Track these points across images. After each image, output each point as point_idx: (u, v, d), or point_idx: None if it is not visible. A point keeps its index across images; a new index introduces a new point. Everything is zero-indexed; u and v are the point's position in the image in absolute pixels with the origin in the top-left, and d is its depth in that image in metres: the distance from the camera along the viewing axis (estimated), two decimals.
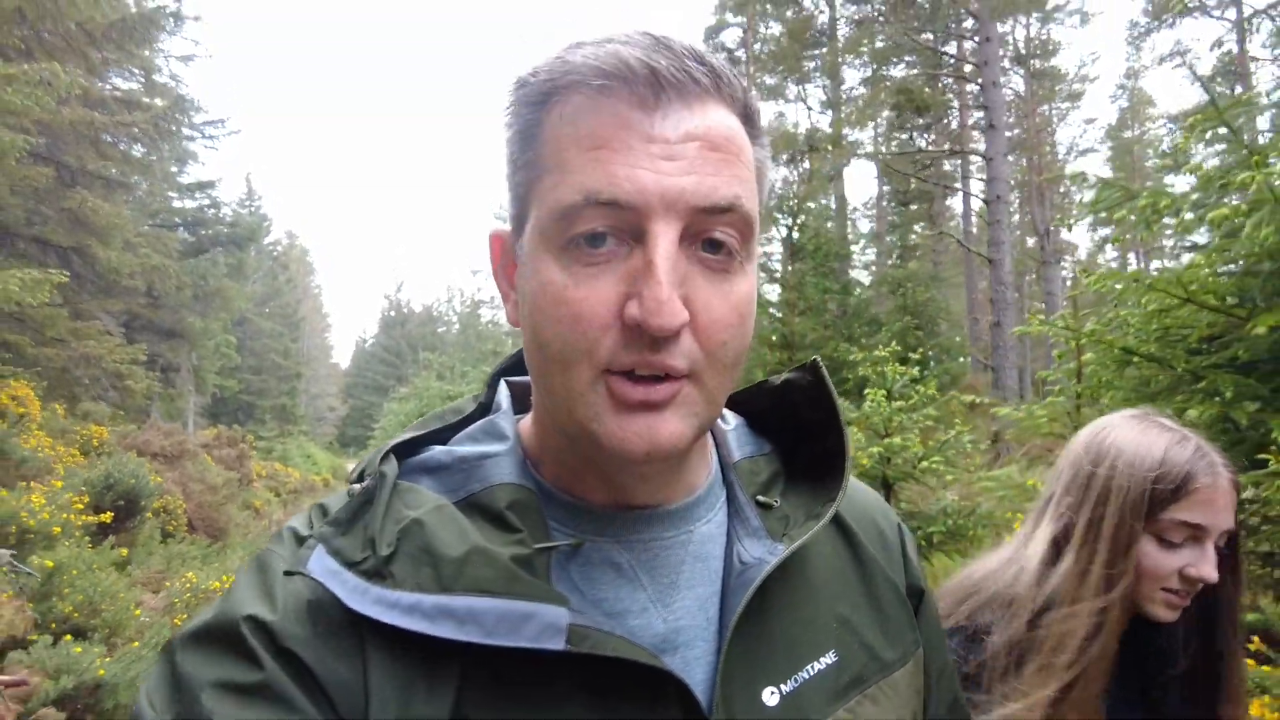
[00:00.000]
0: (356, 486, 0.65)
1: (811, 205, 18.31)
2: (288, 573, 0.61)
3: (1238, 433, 3.68)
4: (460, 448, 0.70)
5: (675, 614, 0.67)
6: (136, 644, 4.26)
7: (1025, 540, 1.40)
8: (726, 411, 0.82)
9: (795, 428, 0.80)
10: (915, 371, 6.14)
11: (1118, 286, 4.36)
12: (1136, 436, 1.35)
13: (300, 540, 0.64)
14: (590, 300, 0.57)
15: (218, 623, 0.59)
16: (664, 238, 0.57)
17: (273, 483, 18.47)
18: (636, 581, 0.67)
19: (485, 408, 0.77)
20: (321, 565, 0.60)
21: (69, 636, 3.98)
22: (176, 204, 24.34)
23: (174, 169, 22.99)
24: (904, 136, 19.57)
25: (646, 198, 0.57)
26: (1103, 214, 4.65)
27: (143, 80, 20.23)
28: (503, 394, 0.77)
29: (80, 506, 6.20)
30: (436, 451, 0.70)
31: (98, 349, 14.23)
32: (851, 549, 0.79)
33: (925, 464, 5.11)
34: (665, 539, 0.68)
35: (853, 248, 24.62)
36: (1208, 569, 1.29)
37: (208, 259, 22.66)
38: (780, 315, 14.63)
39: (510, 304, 0.68)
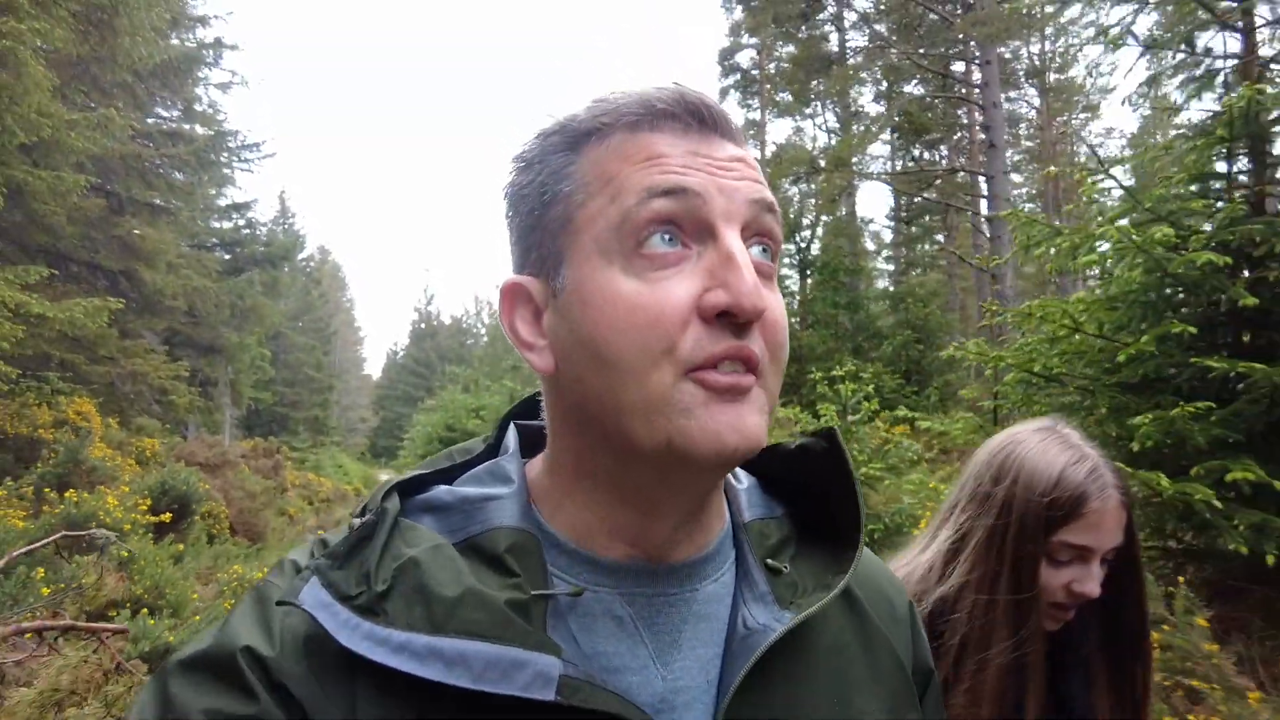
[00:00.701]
0: (357, 521, 0.64)
1: (826, 219, 19.04)
2: (279, 602, 0.61)
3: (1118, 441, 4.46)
4: (464, 488, 0.70)
5: (675, 674, 0.65)
6: (198, 618, 5.22)
7: (924, 545, 1.44)
8: (739, 471, 0.81)
9: (807, 493, 0.79)
10: (869, 388, 6.92)
11: (1028, 315, 5.20)
12: (1036, 456, 1.37)
13: (299, 571, 0.64)
14: (667, 300, 0.57)
15: (214, 652, 0.59)
16: (734, 232, 0.59)
17: (306, 491, 19.47)
18: (637, 637, 0.65)
19: (494, 449, 0.77)
20: (314, 597, 0.59)
21: (145, 610, 4.95)
22: (214, 224, 25.52)
23: (212, 191, 24.21)
24: (910, 155, 20.26)
25: (707, 186, 0.59)
26: (1034, 251, 5.45)
27: (182, 108, 21.52)
28: (511, 437, 0.76)
29: (144, 508, 7.28)
30: (440, 491, 0.69)
31: (144, 366, 15.35)
32: (859, 622, 0.76)
33: (865, 470, 5.89)
34: (669, 595, 0.67)
35: (873, 261, 25.25)
36: (1091, 586, 1.33)
37: (244, 279, 23.80)
38: (790, 329, 15.36)
39: (536, 353, 0.66)
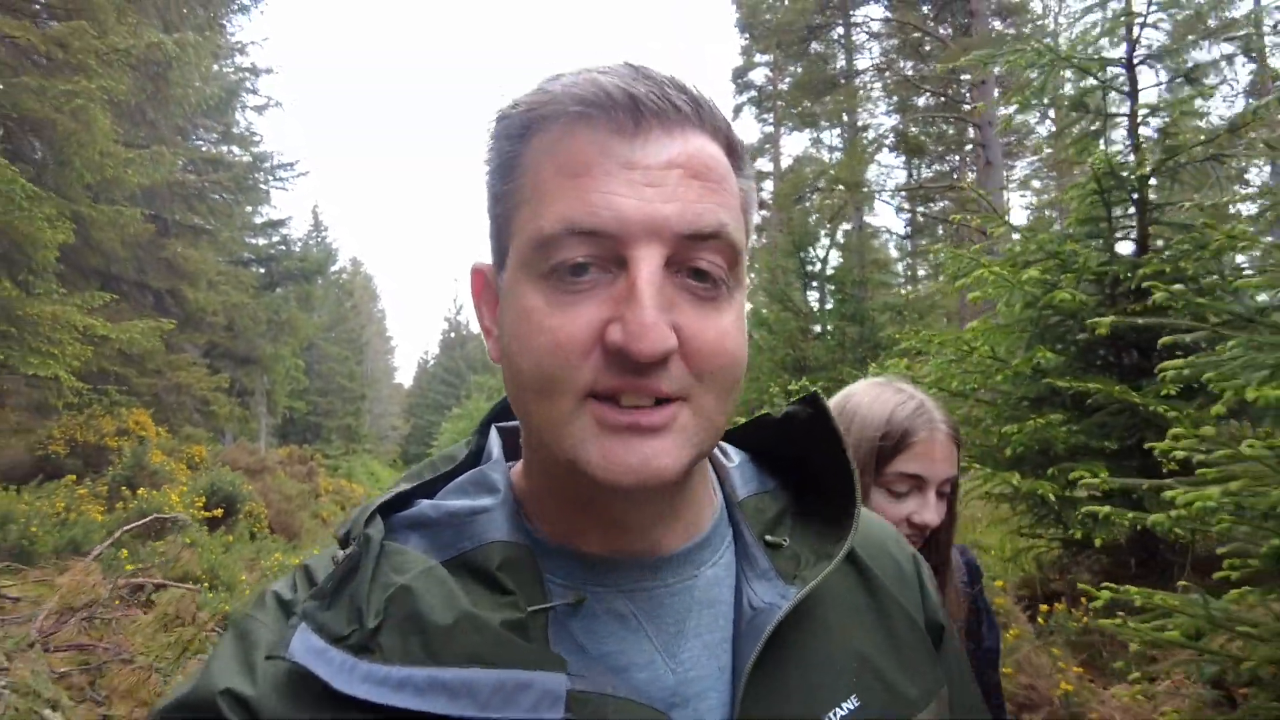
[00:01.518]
0: (340, 554, 0.63)
1: (841, 232, 19.97)
2: (269, 657, 0.60)
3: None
4: (449, 501, 0.68)
5: (684, 664, 0.65)
6: (247, 592, 6.45)
7: None
8: (729, 448, 0.82)
9: (799, 463, 0.79)
10: None
11: (929, 340, 6.28)
12: (870, 401, 1.50)
13: (284, 606, 0.64)
14: (569, 326, 0.57)
15: (194, 697, 0.58)
16: (647, 263, 0.57)
17: (338, 497, 20.71)
18: (641, 632, 0.65)
19: (477, 455, 0.76)
20: (304, 644, 0.57)
21: (205, 585, 6.20)
22: (250, 241, 26.86)
23: (248, 209, 25.51)
24: (910, 172, 21.13)
25: (627, 225, 0.56)
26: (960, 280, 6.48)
27: (221, 132, 23.08)
28: (493, 441, 0.76)
29: (200, 505, 8.61)
30: (425, 506, 0.68)
31: (188, 378, 16.79)
32: (866, 585, 0.77)
33: None
34: (669, 585, 0.67)
35: (881, 273, 26.04)
36: (929, 515, 1.44)
37: (280, 295, 25.16)
38: (793, 339, 16.30)
39: (492, 340, 0.68)
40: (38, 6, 11.21)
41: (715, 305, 0.60)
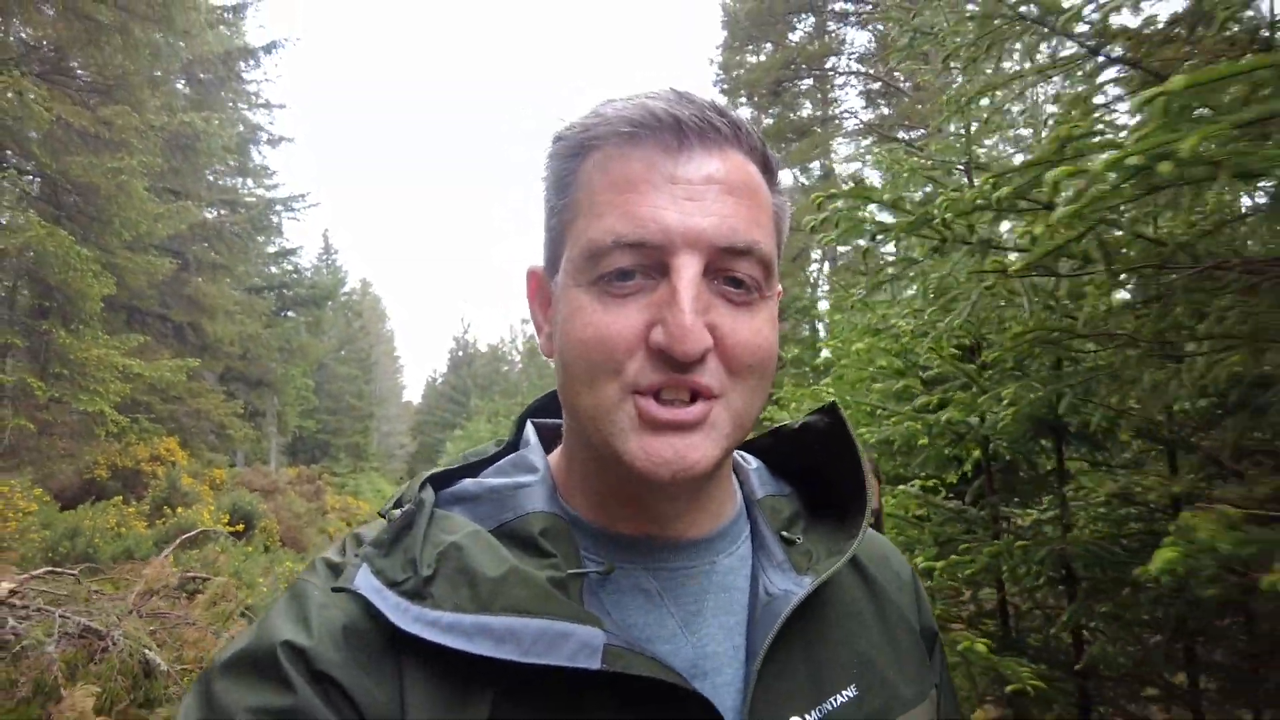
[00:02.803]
0: (396, 512, 0.70)
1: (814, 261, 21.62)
2: (335, 589, 0.66)
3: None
4: (491, 479, 0.76)
5: (703, 640, 0.71)
6: (264, 590, 8.33)
7: None
8: (747, 454, 0.90)
9: (812, 472, 0.87)
10: None
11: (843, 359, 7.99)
12: None
13: (333, 568, 0.70)
14: (617, 325, 0.64)
15: (253, 650, 0.62)
16: (687, 270, 0.63)
17: (344, 514, 22.22)
18: (665, 608, 0.71)
19: (513, 447, 0.84)
20: (367, 582, 0.65)
21: (234, 583, 8.08)
22: (263, 268, 28.33)
23: (260, 239, 27.03)
24: None
25: (670, 235, 0.63)
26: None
27: (236, 165, 25.03)
28: (530, 433, 0.83)
29: (225, 520, 10.58)
30: (468, 483, 0.76)
31: (206, 405, 18.51)
32: (869, 590, 0.84)
33: None
34: (689, 568, 0.74)
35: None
36: None
37: (291, 322, 26.87)
38: None
39: (544, 336, 0.76)
40: (81, 82, 13.26)
41: (749, 309, 0.67)
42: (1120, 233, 2.24)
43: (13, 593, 5.41)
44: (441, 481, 0.76)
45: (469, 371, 58.12)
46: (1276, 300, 1.95)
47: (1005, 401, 3.14)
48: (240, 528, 10.82)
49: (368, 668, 0.62)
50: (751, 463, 0.88)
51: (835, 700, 0.72)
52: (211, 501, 11.72)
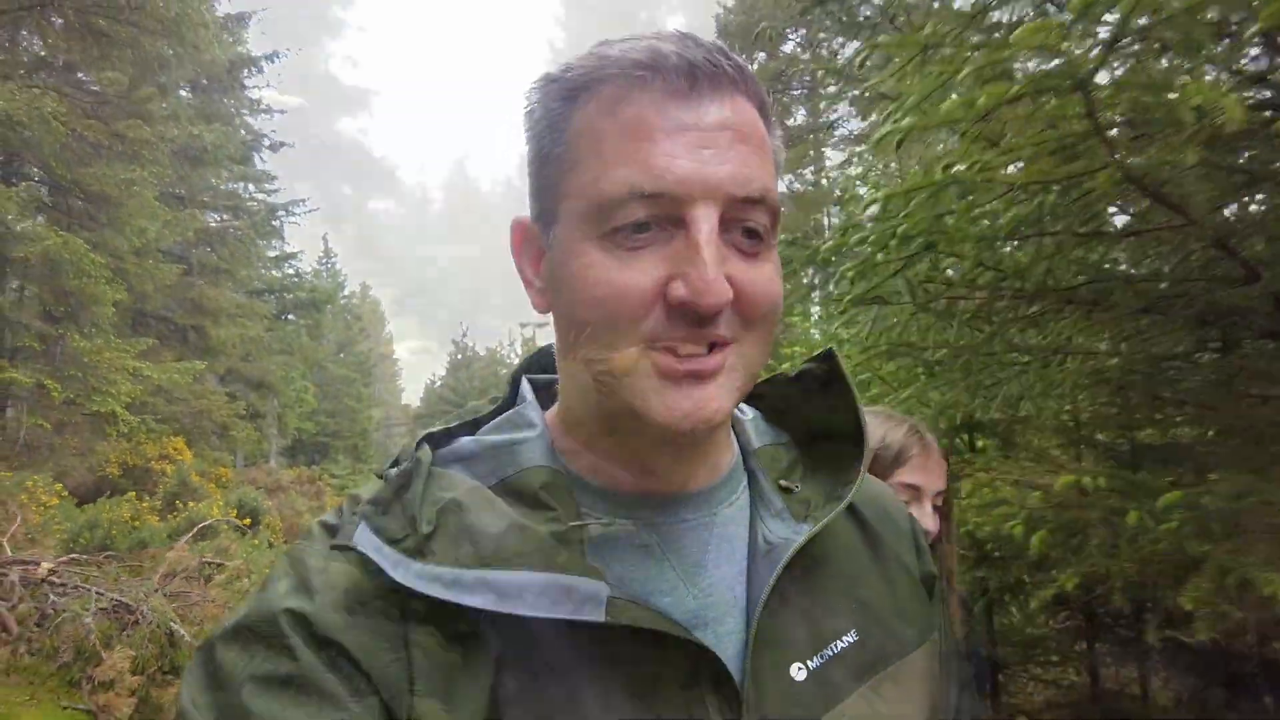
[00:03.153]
0: (393, 471, 0.70)
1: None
2: (335, 546, 0.66)
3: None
4: (489, 437, 0.75)
5: (704, 591, 0.71)
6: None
7: None
8: (743, 404, 0.87)
9: (809, 419, 0.85)
10: None
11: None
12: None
13: (330, 529, 0.69)
14: (634, 279, 0.62)
15: (255, 617, 0.62)
16: (706, 222, 0.61)
17: None
18: (666, 562, 0.71)
19: (508, 405, 0.82)
20: (366, 539, 0.64)
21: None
22: (263, 272, 28.69)
23: (261, 242, 26.90)
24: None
25: (688, 186, 0.61)
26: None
27: (239, 172, 25.50)
28: (526, 389, 0.81)
29: (235, 514, 11.21)
30: (465, 441, 0.75)
31: (208, 405, 18.97)
32: (867, 537, 0.84)
33: None
34: (690, 521, 0.73)
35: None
36: (928, 522, 1.59)
37: (291, 325, 27.38)
38: None
39: (534, 291, 0.73)
40: (90, 92, 13.85)
41: (759, 258, 0.65)
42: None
43: (51, 572, 6.08)
44: (439, 440, 0.75)
45: (468, 374, 58.31)
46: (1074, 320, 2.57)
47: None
48: (247, 522, 11.44)
49: (373, 630, 0.61)
50: (747, 413, 0.87)
51: (836, 645, 0.73)
52: (220, 497, 12.36)
